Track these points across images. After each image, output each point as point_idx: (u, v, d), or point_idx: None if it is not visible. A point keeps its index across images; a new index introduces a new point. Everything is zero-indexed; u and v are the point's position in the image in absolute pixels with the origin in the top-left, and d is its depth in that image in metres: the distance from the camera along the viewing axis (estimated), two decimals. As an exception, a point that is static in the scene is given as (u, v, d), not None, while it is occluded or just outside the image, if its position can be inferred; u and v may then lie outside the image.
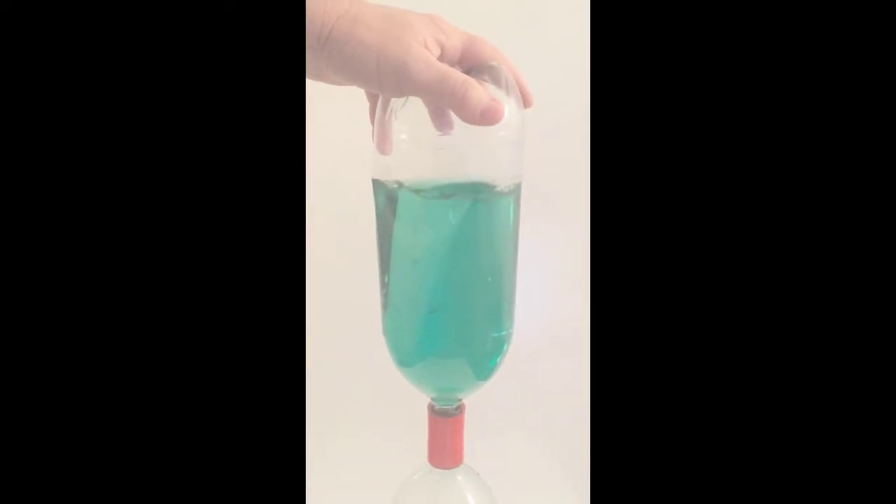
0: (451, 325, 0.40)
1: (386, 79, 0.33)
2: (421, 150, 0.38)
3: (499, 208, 0.39)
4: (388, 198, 0.39)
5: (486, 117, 0.34)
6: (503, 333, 0.41)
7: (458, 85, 0.33)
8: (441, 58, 0.35)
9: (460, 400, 0.43)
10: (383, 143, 0.38)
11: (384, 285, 0.41)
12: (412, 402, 0.45)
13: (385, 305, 0.41)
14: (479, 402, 0.44)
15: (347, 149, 0.64)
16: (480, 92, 0.34)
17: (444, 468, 0.43)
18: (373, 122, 0.39)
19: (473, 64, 0.37)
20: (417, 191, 0.38)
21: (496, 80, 0.37)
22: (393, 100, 0.37)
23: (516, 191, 0.39)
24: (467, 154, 0.38)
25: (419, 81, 0.33)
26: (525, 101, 0.38)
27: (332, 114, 0.61)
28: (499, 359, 0.41)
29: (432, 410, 0.42)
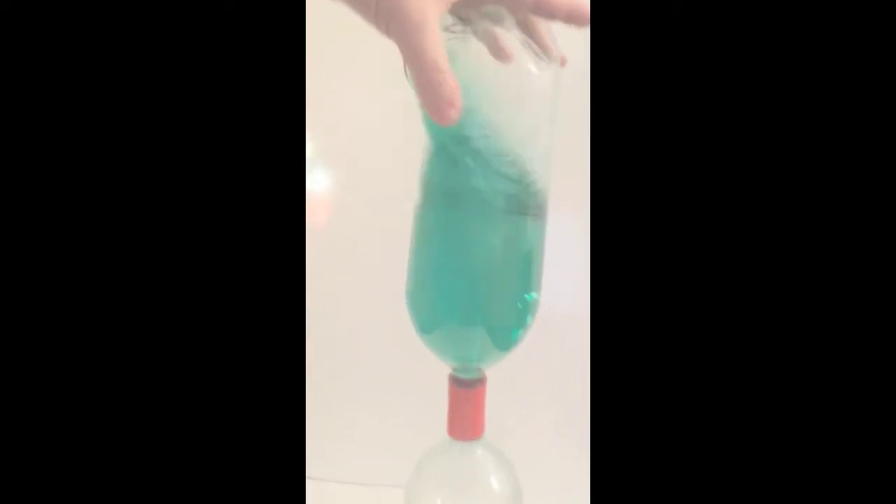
0: (474, 293, 0.39)
1: (382, 24, 0.32)
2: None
3: (531, 181, 0.38)
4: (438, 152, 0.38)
5: (437, 116, 0.32)
6: (527, 303, 0.40)
7: (438, 78, 0.31)
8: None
9: (482, 370, 0.42)
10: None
11: (414, 244, 0.40)
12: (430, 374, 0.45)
13: (411, 267, 0.41)
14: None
15: (347, 142, 0.64)
16: (452, 91, 0.31)
17: (465, 440, 0.43)
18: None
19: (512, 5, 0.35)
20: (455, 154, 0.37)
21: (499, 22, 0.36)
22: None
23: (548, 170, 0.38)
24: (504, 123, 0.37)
25: (414, 51, 0.31)
26: (581, 21, 0.36)
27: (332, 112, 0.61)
28: (521, 331, 0.40)
29: (453, 381, 0.42)
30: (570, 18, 0.36)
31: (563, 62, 0.38)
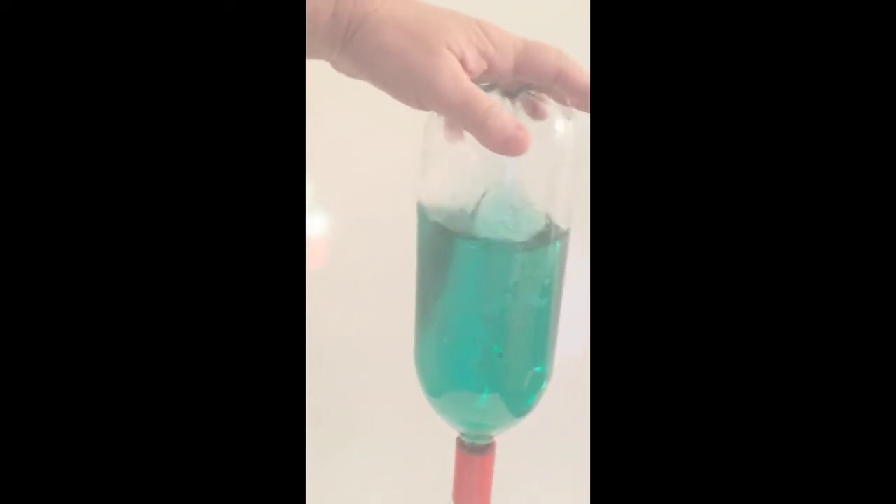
0: (488, 357, 0.37)
1: (406, 88, 0.31)
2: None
3: (554, 248, 0.37)
4: (436, 233, 0.37)
5: (509, 146, 0.31)
6: (543, 370, 0.38)
7: (480, 111, 0.30)
8: (489, 72, 0.33)
9: (491, 437, 0.40)
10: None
11: (421, 307, 0.39)
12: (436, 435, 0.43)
13: (420, 330, 0.39)
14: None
15: (351, 153, 0.63)
16: (505, 119, 0.31)
17: (470, 509, 0.40)
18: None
19: (533, 76, 0.34)
20: (474, 238, 0.36)
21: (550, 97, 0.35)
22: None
23: (568, 231, 0.37)
24: (527, 187, 0.36)
25: (442, 98, 0.30)
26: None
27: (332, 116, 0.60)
28: (536, 396, 0.39)
29: (461, 446, 0.40)
30: (585, 96, 0.35)
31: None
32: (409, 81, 0.30)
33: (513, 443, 0.60)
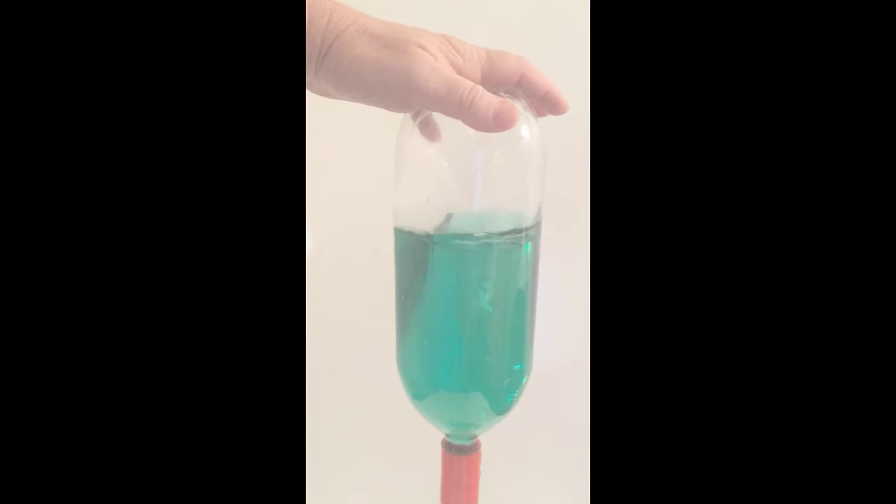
0: (469, 357, 0.38)
1: (388, 91, 0.32)
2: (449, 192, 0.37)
3: (524, 243, 0.38)
4: (410, 241, 0.38)
5: (499, 121, 0.32)
6: (523, 366, 0.39)
7: (465, 92, 0.31)
8: None
9: (476, 437, 0.41)
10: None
11: (401, 313, 0.39)
12: (418, 438, 0.43)
13: (400, 335, 0.40)
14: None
15: (348, 159, 0.63)
16: (490, 97, 0.32)
17: (458, 511, 0.41)
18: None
19: (498, 81, 0.35)
20: (447, 242, 0.37)
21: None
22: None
23: (540, 223, 0.39)
24: (497, 190, 0.38)
25: (426, 90, 0.31)
26: (558, 108, 0.37)
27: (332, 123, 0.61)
28: (517, 393, 0.40)
29: (446, 447, 0.40)
30: (547, 97, 0.37)
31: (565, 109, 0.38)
32: (389, 83, 0.31)
33: (513, 442, 0.61)
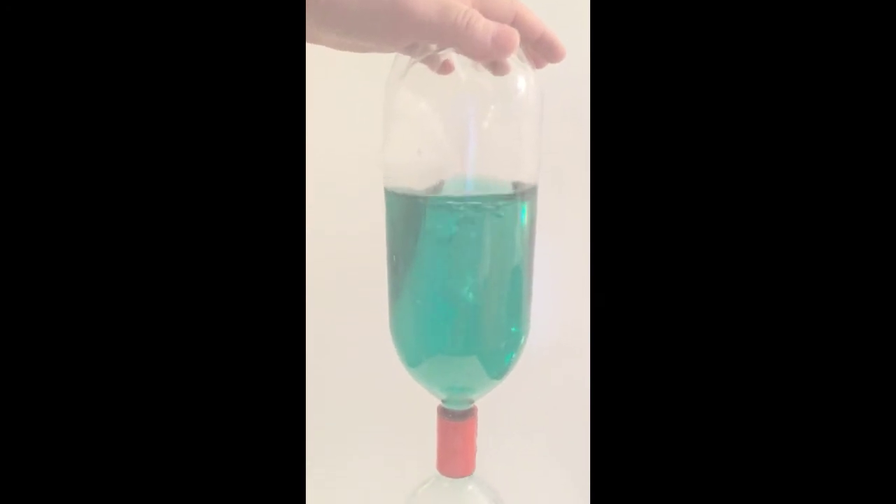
0: (465, 320, 0.37)
1: (374, 20, 0.30)
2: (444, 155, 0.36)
3: (521, 202, 0.36)
4: (401, 203, 0.36)
5: (498, 44, 0.30)
6: (519, 329, 0.38)
7: (460, 15, 0.30)
8: None
9: (472, 402, 0.40)
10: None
11: (393, 278, 0.38)
12: (417, 409, 0.42)
13: (393, 300, 0.38)
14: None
15: (347, 146, 0.62)
16: (487, 21, 0.30)
17: (455, 477, 0.40)
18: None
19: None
20: (440, 202, 0.36)
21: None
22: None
23: (536, 186, 0.37)
24: (493, 147, 0.36)
25: (415, 14, 0.29)
26: (554, 54, 0.35)
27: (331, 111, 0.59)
28: (514, 355, 0.38)
29: (442, 413, 0.39)
30: (542, 41, 0.35)
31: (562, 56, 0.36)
32: (376, 10, 0.30)
33: (513, 443, 0.61)
